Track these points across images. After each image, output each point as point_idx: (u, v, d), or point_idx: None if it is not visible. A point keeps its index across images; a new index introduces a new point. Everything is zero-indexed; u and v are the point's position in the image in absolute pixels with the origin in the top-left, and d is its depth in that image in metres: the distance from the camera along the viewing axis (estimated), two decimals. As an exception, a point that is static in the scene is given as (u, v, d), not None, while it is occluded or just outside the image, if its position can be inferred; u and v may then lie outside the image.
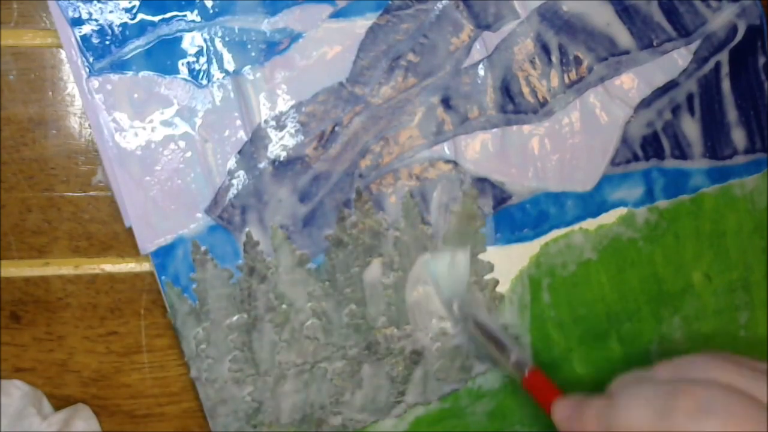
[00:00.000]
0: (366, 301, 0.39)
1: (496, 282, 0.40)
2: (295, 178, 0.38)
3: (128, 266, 0.39)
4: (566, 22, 0.40)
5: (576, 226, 0.41)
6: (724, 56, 0.42)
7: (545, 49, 0.40)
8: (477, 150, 0.40)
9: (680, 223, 0.43)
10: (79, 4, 0.35)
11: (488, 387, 0.42)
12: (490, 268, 0.40)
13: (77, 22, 0.35)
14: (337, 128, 0.38)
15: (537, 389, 0.35)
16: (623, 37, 0.40)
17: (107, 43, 0.35)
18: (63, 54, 0.36)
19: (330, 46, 0.38)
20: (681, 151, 0.42)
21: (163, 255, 0.37)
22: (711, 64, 0.42)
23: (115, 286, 0.39)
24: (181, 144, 0.37)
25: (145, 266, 0.38)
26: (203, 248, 0.37)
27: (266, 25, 0.37)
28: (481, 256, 0.40)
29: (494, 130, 0.40)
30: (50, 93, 0.37)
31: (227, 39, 0.36)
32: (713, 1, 0.41)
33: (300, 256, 0.38)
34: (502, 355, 0.37)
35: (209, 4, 0.36)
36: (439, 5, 0.38)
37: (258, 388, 0.39)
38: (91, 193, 0.38)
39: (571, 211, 0.41)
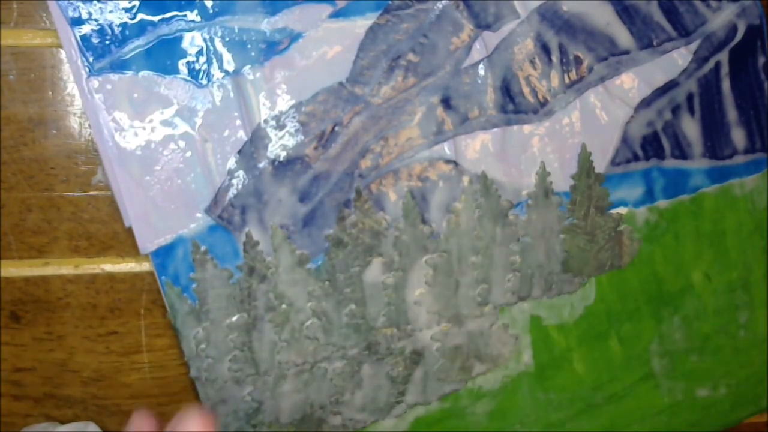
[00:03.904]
0: (366, 301, 0.39)
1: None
2: (295, 178, 0.38)
3: (128, 266, 0.39)
4: (566, 22, 0.40)
5: (576, 226, 0.41)
6: (724, 56, 0.42)
7: (545, 49, 0.40)
8: (477, 150, 0.40)
9: (680, 223, 0.43)
10: (79, 4, 0.35)
11: (488, 387, 0.42)
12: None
13: (77, 22, 0.35)
14: (337, 128, 0.38)
15: None
16: (623, 37, 0.40)
17: (107, 43, 0.35)
18: (63, 54, 0.36)
19: (330, 46, 0.38)
20: (681, 151, 0.42)
21: (163, 255, 0.37)
22: (711, 64, 0.42)
23: (115, 286, 0.39)
24: (181, 144, 0.37)
25: (145, 266, 0.38)
26: (203, 248, 0.37)
27: (266, 25, 0.37)
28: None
29: (494, 130, 0.40)
30: (50, 93, 0.37)
31: (227, 39, 0.36)
32: (713, 1, 0.41)
33: (300, 256, 0.38)
34: None
35: (209, 4, 0.36)
36: (439, 5, 0.38)
37: (258, 388, 0.39)
38: (91, 193, 0.38)
39: (571, 211, 0.41)
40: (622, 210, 0.42)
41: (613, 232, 0.42)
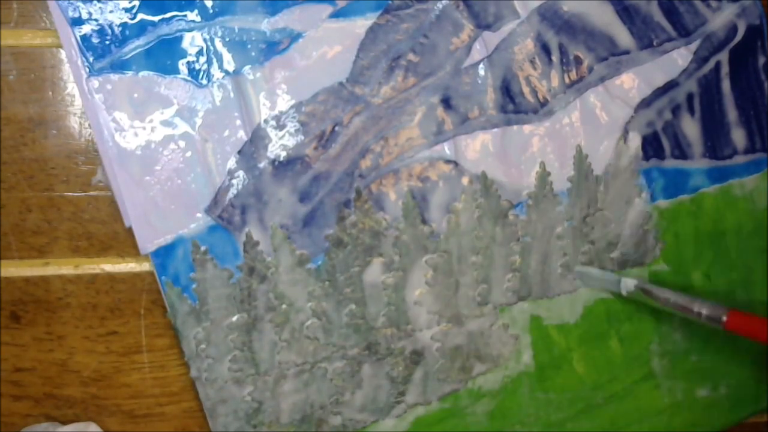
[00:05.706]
0: (366, 301, 0.39)
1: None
2: (295, 178, 0.38)
3: (128, 266, 0.39)
4: (566, 22, 0.40)
5: (576, 226, 0.41)
6: (724, 56, 0.42)
7: (545, 49, 0.40)
8: (477, 150, 0.40)
9: (680, 223, 0.43)
10: (79, 4, 0.35)
11: (488, 387, 0.42)
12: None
13: (77, 22, 0.35)
14: (337, 128, 0.38)
15: (745, 328, 0.35)
16: (623, 37, 0.41)
17: (107, 43, 0.35)
18: (63, 54, 0.36)
19: (330, 46, 0.38)
20: (681, 151, 0.42)
21: (163, 255, 0.37)
22: (711, 64, 0.42)
23: (115, 286, 0.39)
24: (181, 144, 0.37)
25: (145, 266, 0.38)
26: (203, 248, 0.37)
27: (266, 25, 0.37)
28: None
29: (494, 130, 0.40)
30: (50, 93, 0.37)
31: (227, 39, 0.36)
32: (713, 1, 0.41)
33: (300, 256, 0.38)
34: (691, 313, 0.37)
35: (209, 4, 0.36)
36: (439, 5, 0.38)
37: (258, 388, 0.39)
38: (91, 193, 0.38)
39: (571, 211, 0.41)
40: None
41: (611, 234, 0.42)
